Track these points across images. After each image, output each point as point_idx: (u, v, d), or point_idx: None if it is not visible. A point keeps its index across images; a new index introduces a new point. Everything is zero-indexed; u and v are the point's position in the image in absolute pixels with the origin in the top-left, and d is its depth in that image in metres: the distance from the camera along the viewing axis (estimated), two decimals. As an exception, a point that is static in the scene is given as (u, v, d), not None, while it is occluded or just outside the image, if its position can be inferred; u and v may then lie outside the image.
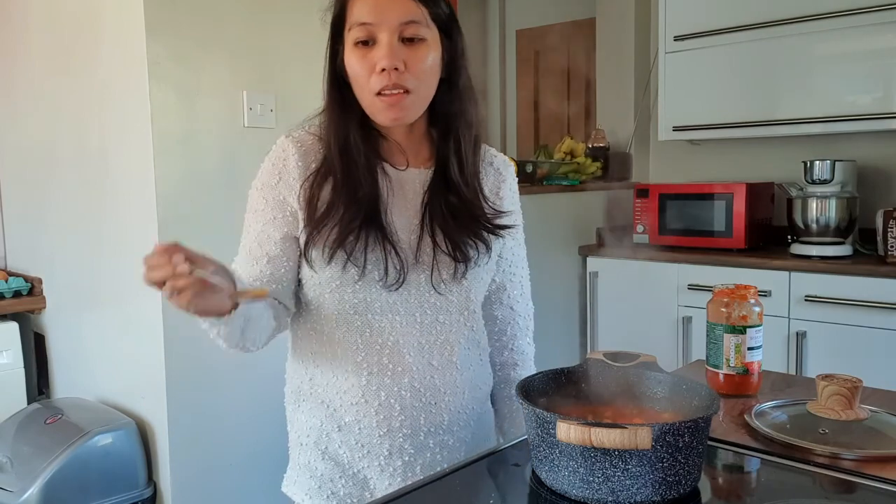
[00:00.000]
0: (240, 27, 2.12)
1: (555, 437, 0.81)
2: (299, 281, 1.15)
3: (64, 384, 2.53)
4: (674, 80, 3.10)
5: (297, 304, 1.17)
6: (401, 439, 1.13)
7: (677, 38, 3.06)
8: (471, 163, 1.15)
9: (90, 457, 2.00)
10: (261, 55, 2.16)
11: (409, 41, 1.06)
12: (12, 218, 2.74)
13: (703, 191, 2.97)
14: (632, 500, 0.83)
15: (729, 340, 1.22)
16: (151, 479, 2.11)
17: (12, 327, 2.46)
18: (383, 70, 1.04)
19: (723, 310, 1.23)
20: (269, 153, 1.15)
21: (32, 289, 2.55)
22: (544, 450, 0.87)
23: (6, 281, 2.49)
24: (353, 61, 1.07)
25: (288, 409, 1.23)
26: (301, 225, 1.11)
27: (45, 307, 2.54)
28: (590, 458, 0.83)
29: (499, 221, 1.17)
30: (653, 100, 3.44)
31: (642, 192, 3.12)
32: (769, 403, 1.17)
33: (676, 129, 3.12)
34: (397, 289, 1.10)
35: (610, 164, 3.47)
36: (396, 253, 1.09)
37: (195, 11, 2.03)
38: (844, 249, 2.69)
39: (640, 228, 3.13)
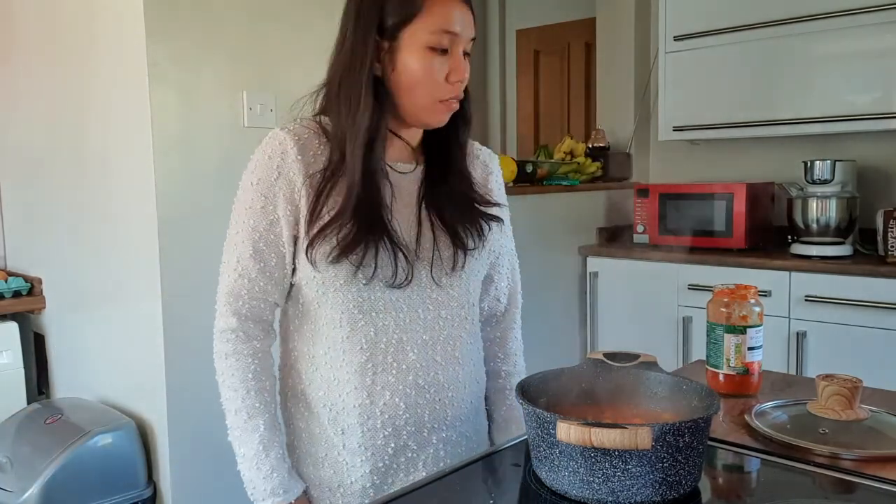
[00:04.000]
0: (239, 27, 2.12)
1: (555, 437, 0.81)
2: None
3: (64, 384, 2.53)
4: (674, 80, 3.10)
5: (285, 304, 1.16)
6: (405, 437, 1.13)
7: (677, 38, 3.06)
8: (463, 154, 1.18)
9: (90, 457, 2.00)
10: (260, 55, 2.16)
11: (464, 55, 1.10)
12: (12, 218, 2.74)
13: (703, 191, 2.97)
14: (632, 501, 0.83)
15: (729, 341, 1.21)
16: (151, 479, 2.11)
17: (12, 327, 2.46)
18: (457, 81, 1.08)
19: (723, 310, 1.23)
20: (260, 147, 1.12)
21: (32, 289, 2.55)
22: (544, 450, 0.87)
23: (6, 281, 2.49)
24: (421, 64, 1.06)
25: (281, 415, 1.19)
26: (303, 224, 1.08)
27: (44, 307, 2.54)
28: (590, 458, 0.82)
29: (490, 210, 1.19)
30: (653, 100, 3.44)
31: (642, 192, 3.12)
32: (769, 403, 1.17)
33: (676, 129, 3.12)
34: (404, 287, 1.10)
35: (610, 164, 3.46)
36: (403, 253, 1.09)
37: (195, 12, 2.03)
38: (844, 249, 2.69)
39: (640, 228, 3.13)
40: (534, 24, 4.57)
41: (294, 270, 1.12)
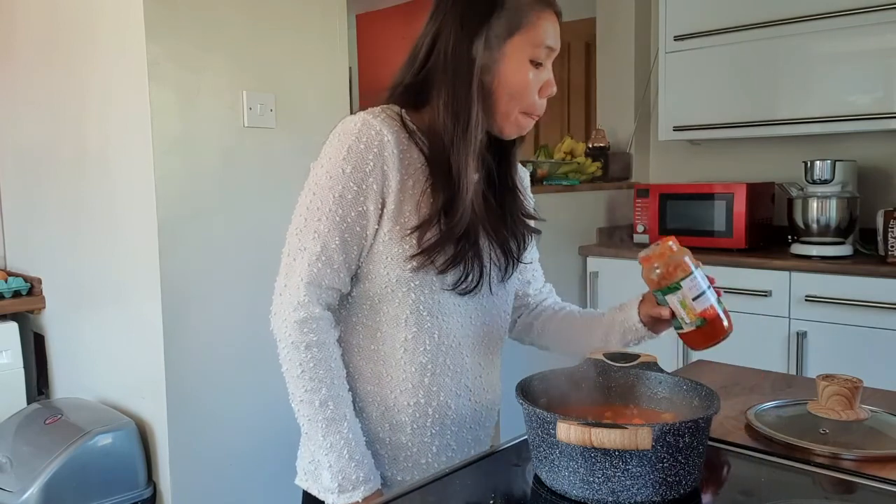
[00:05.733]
0: (239, 27, 2.12)
1: (555, 438, 0.81)
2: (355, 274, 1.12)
3: (64, 384, 2.53)
4: (674, 80, 3.10)
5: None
6: (449, 436, 1.15)
7: (677, 38, 3.06)
8: (515, 165, 1.21)
9: (90, 457, 2.00)
10: (260, 55, 2.16)
11: None
12: (12, 218, 2.74)
13: (704, 191, 2.97)
14: (632, 501, 0.83)
15: (673, 302, 1.13)
16: (151, 479, 2.11)
17: (12, 327, 2.46)
18: (546, 96, 1.11)
19: (653, 277, 1.14)
20: (351, 132, 1.07)
21: (32, 289, 2.55)
22: (544, 450, 0.87)
23: (6, 281, 2.49)
24: (523, 76, 1.08)
25: None
26: (387, 219, 1.07)
27: (44, 307, 2.54)
28: (590, 458, 0.82)
29: (532, 223, 1.23)
30: (653, 100, 3.44)
31: (642, 192, 3.12)
32: (769, 403, 1.17)
33: (676, 129, 3.12)
34: (471, 294, 1.12)
35: (610, 164, 3.46)
36: (481, 262, 1.11)
37: (195, 11, 2.03)
38: (845, 249, 2.69)
39: (640, 228, 3.13)
40: (534, 24, 4.57)
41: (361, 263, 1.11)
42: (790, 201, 2.81)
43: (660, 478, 0.83)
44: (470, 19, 1.07)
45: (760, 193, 2.95)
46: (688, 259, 1.13)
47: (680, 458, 0.83)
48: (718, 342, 1.13)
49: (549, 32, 1.09)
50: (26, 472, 1.97)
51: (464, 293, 1.11)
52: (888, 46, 2.60)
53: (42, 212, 2.53)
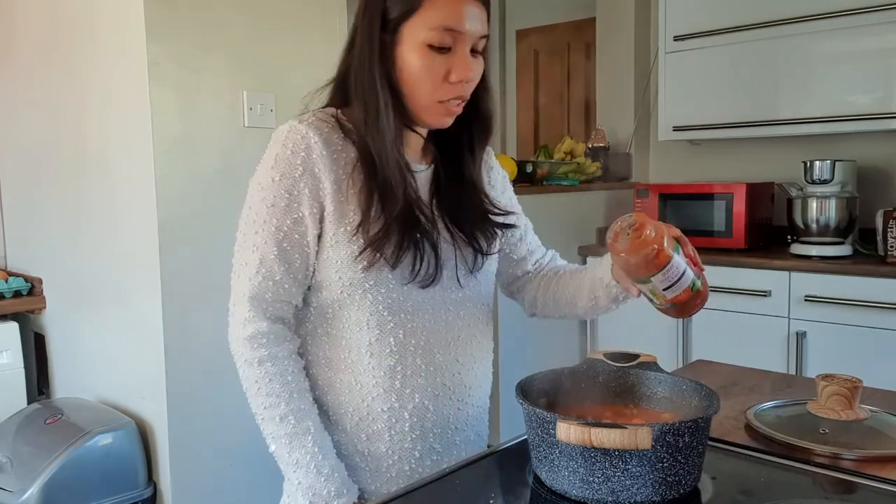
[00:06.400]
0: (239, 27, 2.12)
1: (555, 437, 0.81)
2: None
3: (64, 384, 2.53)
4: (674, 80, 3.10)
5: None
6: (432, 439, 1.11)
7: (677, 38, 3.06)
8: (479, 159, 1.16)
9: (90, 457, 2.00)
10: (260, 55, 2.16)
11: (473, 52, 1.04)
12: (12, 218, 2.74)
13: (703, 191, 2.97)
14: (632, 501, 0.83)
15: (642, 289, 1.05)
16: (151, 479, 2.11)
17: (12, 327, 2.46)
18: (458, 81, 1.02)
19: (620, 265, 1.04)
20: (279, 140, 1.05)
21: (32, 289, 2.55)
22: (544, 450, 0.87)
23: (6, 281, 2.49)
24: (421, 63, 1.01)
25: None
26: (329, 222, 1.04)
27: (45, 307, 2.54)
28: (590, 458, 0.82)
29: (506, 219, 1.18)
30: (653, 100, 3.44)
31: (642, 192, 3.12)
32: (769, 403, 1.17)
33: (676, 129, 3.12)
34: (432, 285, 1.07)
35: (610, 164, 3.47)
36: (435, 252, 1.07)
37: (195, 12, 2.03)
38: (844, 249, 2.69)
39: (640, 228, 3.12)
40: (534, 24, 4.57)
41: (313, 272, 1.07)
42: (790, 201, 2.81)
43: (660, 478, 0.83)
44: (371, 4, 1.03)
45: (760, 193, 2.95)
46: (666, 245, 0.97)
47: (680, 458, 0.83)
48: (694, 311, 1.06)
49: (451, 14, 1.00)
50: (26, 472, 1.97)
51: (424, 286, 1.07)
52: (888, 46, 2.60)
53: (42, 212, 2.53)
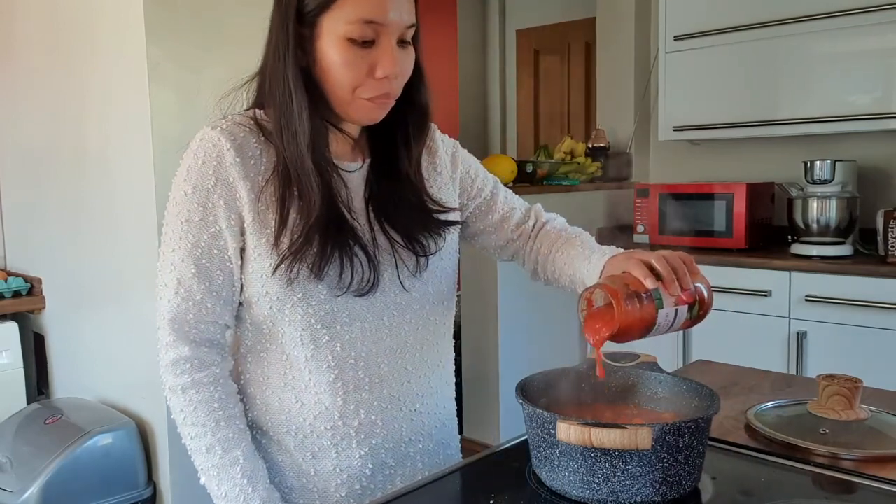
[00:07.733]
0: (239, 28, 2.12)
1: (555, 438, 0.81)
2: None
3: (64, 384, 2.53)
4: (674, 80, 3.10)
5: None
6: (383, 454, 1.04)
7: (677, 38, 3.06)
8: (416, 154, 1.06)
9: (90, 457, 2.00)
10: (261, 56, 2.16)
11: (401, 43, 0.96)
12: (12, 218, 2.74)
13: (704, 191, 2.97)
14: (632, 501, 0.83)
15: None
16: (151, 479, 2.11)
17: (12, 327, 2.46)
18: (384, 77, 0.94)
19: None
20: (191, 150, 0.98)
21: (32, 289, 2.55)
22: (544, 450, 0.87)
23: (6, 281, 2.49)
24: (342, 59, 0.93)
25: None
26: (250, 235, 0.96)
27: (44, 307, 2.54)
28: (590, 458, 0.82)
29: (448, 216, 1.09)
30: (653, 100, 3.44)
31: (642, 192, 3.12)
32: (769, 403, 1.17)
33: (676, 129, 3.12)
34: (371, 293, 1.00)
35: (610, 164, 3.46)
36: (369, 258, 0.99)
37: (195, 12, 2.03)
38: (845, 249, 2.69)
39: (640, 228, 3.13)
40: (534, 24, 4.57)
41: (241, 287, 1.00)
42: (790, 201, 2.81)
43: (660, 478, 0.83)
44: (299, 2, 0.94)
45: (760, 193, 2.95)
46: (641, 313, 0.92)
47: (680, 458, 0.83)
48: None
49: (371, 6, 0.91)
50: (26, 472, 1.97)
51: (361, 294, 0.98)
52: (888, 46, 2.60)
53: (42, 212, 2.53)
